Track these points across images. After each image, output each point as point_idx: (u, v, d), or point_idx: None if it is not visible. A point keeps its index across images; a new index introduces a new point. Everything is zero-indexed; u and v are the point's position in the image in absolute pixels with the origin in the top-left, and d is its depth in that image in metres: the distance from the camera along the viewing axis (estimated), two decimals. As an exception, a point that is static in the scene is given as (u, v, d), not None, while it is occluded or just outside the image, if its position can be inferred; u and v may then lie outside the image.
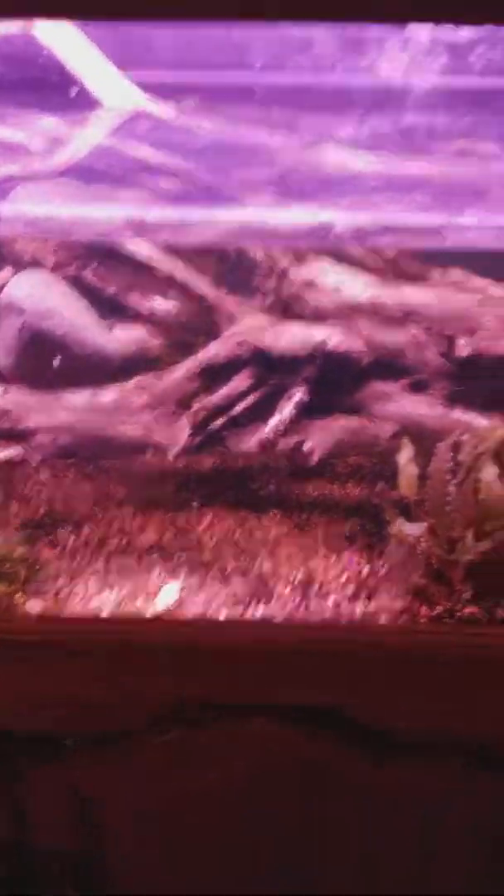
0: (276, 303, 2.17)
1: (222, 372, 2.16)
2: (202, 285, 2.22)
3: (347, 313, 2.10)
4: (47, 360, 2.20)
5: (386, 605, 1.63)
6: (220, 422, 2.12)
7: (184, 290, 2.23)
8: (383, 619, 1.61)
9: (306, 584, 1.70)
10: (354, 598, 1.66)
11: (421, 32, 1.76)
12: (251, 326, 2.16)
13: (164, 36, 1.87)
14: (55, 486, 2.03)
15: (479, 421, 1.95)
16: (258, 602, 1.64)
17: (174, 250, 2.21)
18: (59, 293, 2.24)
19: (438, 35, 1.76)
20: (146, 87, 1.93)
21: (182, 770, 1.56)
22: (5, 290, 2.23)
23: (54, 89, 1.91)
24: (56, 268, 2.24)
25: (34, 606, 1.64)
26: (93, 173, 2.01)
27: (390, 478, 1.73)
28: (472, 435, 1.67)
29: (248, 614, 1.62)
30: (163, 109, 1.95)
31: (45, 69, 1.86)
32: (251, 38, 1.83)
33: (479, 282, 2.16)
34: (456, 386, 2.06)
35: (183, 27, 1.74)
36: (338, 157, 1.96)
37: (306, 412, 2.10)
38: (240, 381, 2.14)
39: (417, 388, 2.08)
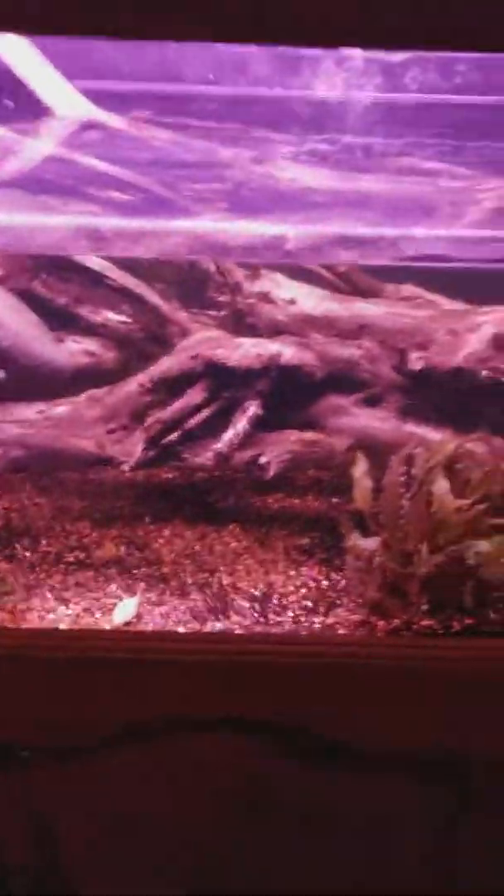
0: (230, 316, 2.25)
1: (176, 386, 2.22)
2: (155, 298, 2.29)
3: (301, 327, 2.18)
4: (-8, 373, 2.24)
5: (344, 619, 1.71)
6: (174, 436, 2.18)
7: (136, 303, 2.29)
8: (341, 632, 1.68)
9: (265, 597, 1.78)
10: (313, 611, 1.74)
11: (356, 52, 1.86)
12: (205, 340, 2.23)
13: (114, 46, 1.94)
14: (9, 499, 2.08)
15: (432, 434, 2.03)
16: (217, 616, 1.71)
17: (126, 263, 2.27)
18: (5, 305, 2.28)
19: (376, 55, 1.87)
20: (96, 97, 2.00)
21: (140, 785, 1.61)
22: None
23: (2, 98, 1.96)
24: (2, 280, 2.29)
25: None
26: (41, 184, 2.06)
27: (348, 491, 1.79)
28: (425, 448, 1.76)
29: (207, 628, 1.69)
30: (113, 120, 2.02)
31: (-7, 78, 1.91)
32: (201, 51, 1.91)
33: (431, 297, 2.28)
34: (409, 399, 2.15)
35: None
36: (289, 172, 2.05)
37: (261, 426, 2.17)
38: (194, 395, 2.20)
39: (371, 401, 2.16)
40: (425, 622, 1.68)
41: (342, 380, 2.18)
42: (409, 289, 2.29)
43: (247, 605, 1.75)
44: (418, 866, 1.66)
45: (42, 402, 2.24)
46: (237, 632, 1.68)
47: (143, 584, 1.80)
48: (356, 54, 1.87)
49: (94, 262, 2.27)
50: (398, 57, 1.86)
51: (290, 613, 1.73)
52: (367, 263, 2.19)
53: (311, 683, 1.59)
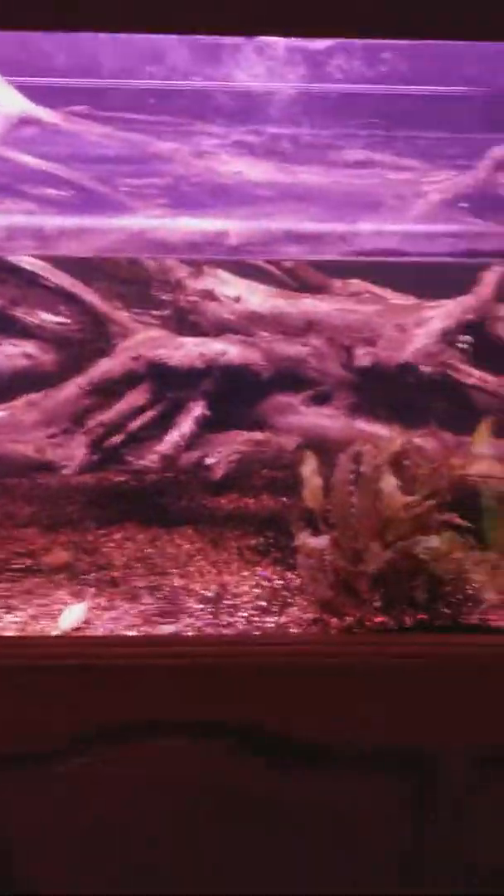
0: (172, 315, 2.30)
1: (117, 387, 2.26)
2: (93, 298, 2.32)
3: (247, 325, 2.24)
4: None
5: (297, 618, 1.78)
6: (117, 438, 2.21)
7: (74, 304, 2.33)
8: (294, 631, 1.76)
9: (218, 598, 1.85)
10: (266, 611, 1.81)
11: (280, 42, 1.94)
12: (146, 340, 2.28)
13: (49, 41, 1.99)
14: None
15: (382, 431, 2.10)
16: (169, 619, 1.77)
17: (63, 262, 2.31)
18: None
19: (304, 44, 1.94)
20: (31, 93, 2.04)
21: (93, 792, 1.66)
22: None
23: None
24: None
25: None
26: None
27: (300, 490, 1.86)
28: (373, 445, 1.83)
29: (159, 631, 1.74)
30: (49, 115, 2.06)
31: None
32: (140, 42, 1.96)
33: (379, 291, 2.35)
34: (357, 396, 2.22)
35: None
36: (231, 166, 2.12)
37: (207, 426, 2.21)
38: (136, 397, 2.24)
39: (319, 399, 2.23)
40: (378, 619, 1.76)
41: (289, 378, 2.23)
42: (357, 284, 2.36)
43: (199, 606, 1.81)
44: (386, 863, 1.75)
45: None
46: (188, 634, 1.74)
47: (92, 590, 1.85)
48: (280, 43, 1.94)
49: (29, 262, 2.30)
50: (323, 45, 1.94)
51: (243, 614, 1.80)
52: (315, 259, 2.25)
53: (264, 683, 1.66)
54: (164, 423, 2.22)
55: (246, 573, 1.95)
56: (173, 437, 2.18)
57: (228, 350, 2.21)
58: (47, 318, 2.34)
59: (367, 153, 2.11)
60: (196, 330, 2.27)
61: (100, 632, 1.75)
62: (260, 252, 2.14)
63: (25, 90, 2.04)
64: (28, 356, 2.33)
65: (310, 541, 1.78)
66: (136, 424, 2.22)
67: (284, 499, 2.19)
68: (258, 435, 2.20)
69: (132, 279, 2.32)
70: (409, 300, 2.33)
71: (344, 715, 1.66)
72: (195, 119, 2.09)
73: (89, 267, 2.32)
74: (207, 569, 1.97)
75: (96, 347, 2.32)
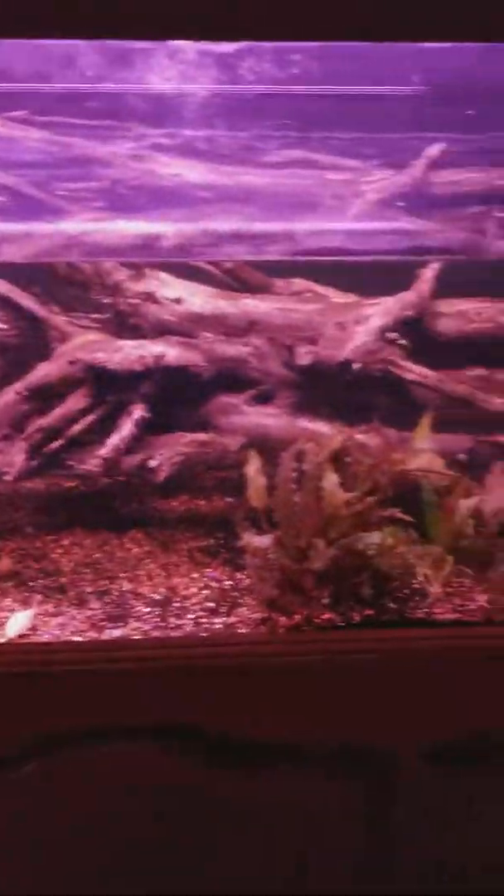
0: (112, 319, 2.34)
1: (56, 392, 2.29)
2: (31, 303, 2.36)
3: (189, 326, 2.30)
4: None
5: (246, 618, 1.85)
6: (58, 443, 2.25)
7: (10, 309, 2.36)
8: (243, 631, 1.82)
9: (166, 601, 1.91)
10: (214, 612, 1.88)
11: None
12: (84, 344, 2.31)
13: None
14: None
15: (324, 429, 2.17)
16: (117, 623, 1.83)
17: (0, 267, 2.34)
18: None
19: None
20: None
21: (45, 799, 1.71)
22: None
23: None
24: None
25: None
26: None
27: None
28: (315, 443, 1.90)
29: (106, 636, 1.80)
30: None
31: None
32: (75, 48, 2.01)
33: (321, 290, 2.43)
34: (300, 394, 2.29)
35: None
36: (169, 169, 2.18)
37: (150, 429, 2.25)
38: (76, 401, 2.28)
39: (262, 398, 2.29)
40: (326, 616, 1.83)
41: (231, 378, 2.29)
42: (299, 283, 2.43)
43: (147, 610, 1.87)
44: (342, 862, 1.82)
45: None
46: (135, 638, 1.80)
47: (39, 596, 1.90)
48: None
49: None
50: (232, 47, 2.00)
51: (191, 616, 1.86)
52: (255, 259, 2.31)
53: (212, 684, 1.72)
54: (105, 426, 2.26)
55: (195, 575, 2.02)
56: (114, 440, 2.22)
57: (168, 352, 2.26)
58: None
59: (305, 153, 2.19)
60: (137, 333, 2.32)
61: (45, 638, 1.79)
62: (201, 253, 2.20)
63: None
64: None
65: (254, 540, 1.85)
66: (76, 429, 2.26)
67: (229, 499, 2.25)
68: (201, 436, 2.25)
69: (71, 283, 2.36)
70: (351, 298, 2.41)
71: (294, 714, 1.73)
72: (128, 122, 2.14)
73: (27, 272, 2.35)
74: (157, 572, 2.03)
75: (34, 353, 2.35)
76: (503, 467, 2.01)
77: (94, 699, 1.69)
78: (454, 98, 2.11)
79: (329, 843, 1.81)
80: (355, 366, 2.23)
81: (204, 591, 1.96)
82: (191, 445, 2.23)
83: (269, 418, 2.28)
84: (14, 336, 2.37)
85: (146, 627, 1.83)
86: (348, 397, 2.26)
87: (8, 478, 2.24)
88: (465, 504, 1.92)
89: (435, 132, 2.20)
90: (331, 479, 1.83)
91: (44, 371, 2.29)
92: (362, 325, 2.28)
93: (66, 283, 2.37)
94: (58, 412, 2.27)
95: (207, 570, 2.04)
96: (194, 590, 1.96)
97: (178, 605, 1.90)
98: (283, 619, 1.82)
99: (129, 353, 2.26)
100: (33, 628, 1.81)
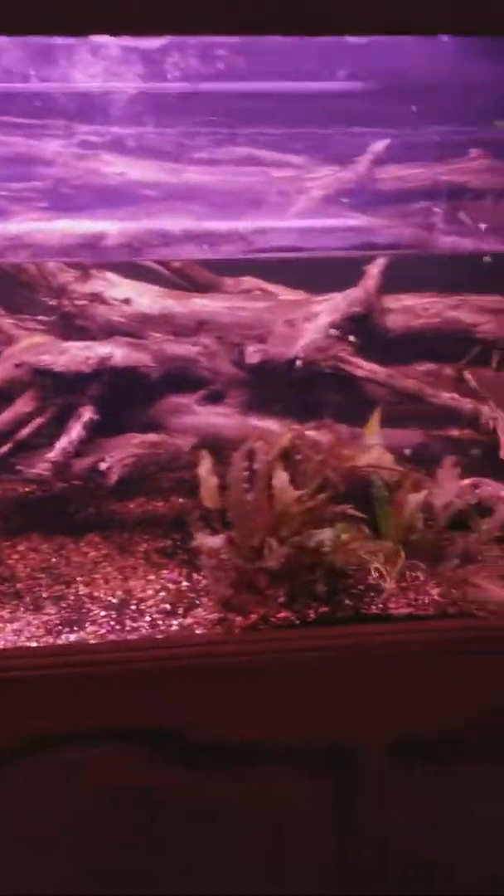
0: (59, 320, 2.37)
1: (2, 396, 2.30)
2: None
3: (138, 327, 2.33)
4: None
5: (202, 619, 1.90)
6: (5, 448, 2.26)
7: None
8: (199, 632, 1.86)
9: (123, 604, 1.96)
10: (171, 614, 1.93)
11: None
12: (29, 347, 2.33)
13: None
14: None
15: (276, 427, 2.22)
16: (72, 628, 1.88)
17: None
18: None
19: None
20: None
21: (16, 806, 1.76)
22: None
23: None
24: None
25: None
26: None
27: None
28: (265, 442, 1.95)
29: (62, 641, 1.84)
30: None
31: None
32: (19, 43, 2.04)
33: (271, 288, 2.48)
34: (251, 393, 2.33)
35: None
36: (113, 167, 2.21)
37: (100, 431, 2.28)
38: (22, 405, 2.30)
39: (213, 398, 2.34)
40: (282, 614, 1.88)
41: (181, 378, 2.33)
42: (248, 281, 2.48)
43: (103, 613, 1.92)
44: (312, 857, 1.88)
45: None
46: (91, 642, 1.84)
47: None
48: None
49: None
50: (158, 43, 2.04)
51: (148, 618, 1.91)
52: (203, 258, 2.35)
53: (169, 686, 1.77)
54: (54, 430, 2.28)
55: (152, 577, 2.07)
56: (63, 443, 2.24)
57: (116, 353, 2.29)
58: None
59: (250, 150, 2.24)
60: (85, 334, 2.35)
61: (1, 645, 1.83)
62: (148, 252, 2.24)
63: None
64: None
65: (206, 541, 1.90)
66: (24, 432, 2.28)
67: (181, 500, 2.30)
68: (153, 437, 2.28)
69: (16, 285, 2.38)
70: (300, 296, 2.46)
71: (253, 713, 1.78)
72: (58, 120, 2.17)
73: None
74: (113, 575, 2.08)
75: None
76: (453, 461, 2.07)
77: (50, 705, 1.74)
78: (396, 93, 2.17)
79: (299, 840, 1.87)
80: (298, 363, 2.28)
81: (161, 593, 2.00)
82: (142, 447, 2.26)
83: (220, 418, 2.32)
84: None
85: (102, 631, 1.87)
86: (299, 395, 2.31)
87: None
88: (414, 499, 1.98)
89: (379, 127, 2.26)
90: (281, 477, 1.88)
91: (-12, 375, 2.31)
92: (311, 322, 2.33)
93: (11, 284, 2.39)
94: (5, 416, 2.28)
95: (164, 571, 2.09)
96: (151, 592, 2.01)
97: (134, 607, 1.95)
98: (239, 619, 1.87)
99: (75, 354, 2.28)
100: (-11, 635, 1.85)
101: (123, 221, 2.18)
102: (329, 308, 2.34)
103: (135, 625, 1.89)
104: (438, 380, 2.37)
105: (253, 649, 1.82)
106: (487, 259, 2.29)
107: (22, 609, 1.94)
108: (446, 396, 2.32)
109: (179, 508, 2.33)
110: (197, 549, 1.92)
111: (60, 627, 1.88)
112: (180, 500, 2.35)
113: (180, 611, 1.93)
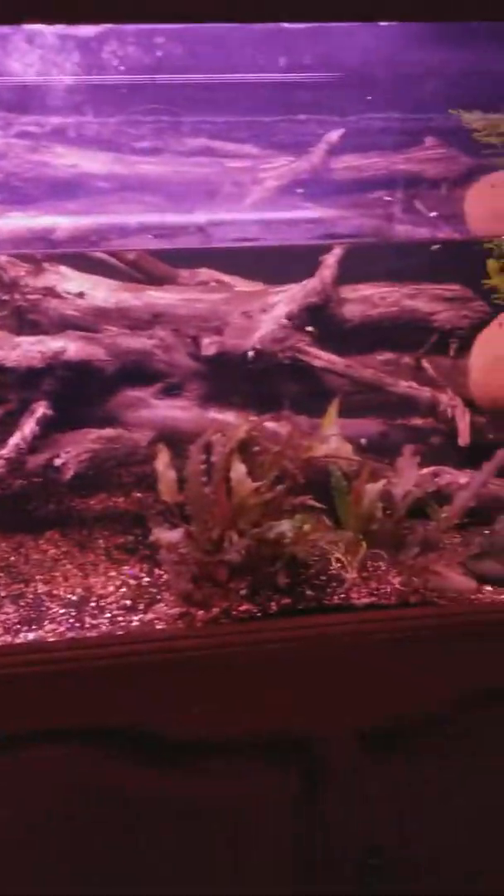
0: (10, 315, 2.37)
1: None
2: None
3: (92, 321, 2.35)
4: None
5: (163, 613, 1.93)
6: None
7: None
8: (160, 627, 1.89)
9: (82, 601, 1.99)
10: (132, 609, 1.96)
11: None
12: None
13: None
14: None
15: (234, 419, 2.25)
16: (31, 627, 1.90)
17: None
18: None
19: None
20: None
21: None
22: None
23: None
24: None
25: None
26: None
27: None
28: (222, 434, 1.98)
29: (21, 640, 1.86)
30: None
31: None
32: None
33: (227, 279, 2.51)
34: (208, 386, 2.36)
35: None
36: (65, 159, 2.23)
37: (54, 426, 2.29)
38: None
39: (170, 391, 2.36)
40: (244, 607, 1.92)
41: (137, 372, 2.35)
42: (204, 273, 2.50)
43: (62, 611, 1.94)
44: (279, 848, 1.91)
45: None
46: (50, 640, 1.86)
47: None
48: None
49: None
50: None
51: (108, 615, 1.93)
52: (160, 248, 2.37)
53: (130, 682, 1.80)
54: (6, 426, 2.30)
55: (113, 573, 2.10)
56: (16, 439, 2.26)
57: (69, 347, 2.31)
58: None
59: (205, 141, 2.27)
60: (38, 329, 2.36)
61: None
62: (103, 244, 2.26)
63: None
64: None
65: (163, 535, 1.93)
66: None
67: (146, 495, 2.32)
68: (109, 432, 2.30)
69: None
70: (257, 286, 2.49)
71: (217, 707, 1.81)
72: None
73: None
74: (73, 572, 2.11)
75: None
76: (412, 450, 2.10)
77: (8, 705, 1.75)
78: (352, 82, 2.21)
79: (265, 833, 1.90)
80: (250, 354, 2.31)
81: (122, 589, 2.03)
82: (98, 442, 2.27)
83: (178, 411, 2.34)
84: None
85: (61, 629, 1.90)
86: (257, 386, 2.34)
87: None
88: (373, 488, 2.01)
89: (334, 116, 2.30)
90: (238, 470, 1.91)
91: None
92: (268, 313, 2.35)
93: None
94: (-45, 414, 2.29)
95: (125, 567, 2.12)
96: (111, 588, 2.04)
97: (94, 604, 1.98)
98: (200, 613, 1.90)
99: (27, 349, 2.29)
100: None
101: (76, 213, 2.20)
102: (286, 299, 2.37)
103: (95, 622, 1.92)
104: (397, 369, 2.41)
105: (214, 643, 1.85)
106: (436, 247, 2.33)
107: (-20, 608, 1.97)
108: (405, 385, 2.36)
109: (138, 503, 2.35)
110: (156, 543, 1.95)
111: (19, 626, 1.90)
112: (144, 495, 2.37)
113: (141, 606, 1.96)
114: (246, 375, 2.34)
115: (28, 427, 2.27)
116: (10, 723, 1.76)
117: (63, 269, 2.38)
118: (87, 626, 1.91)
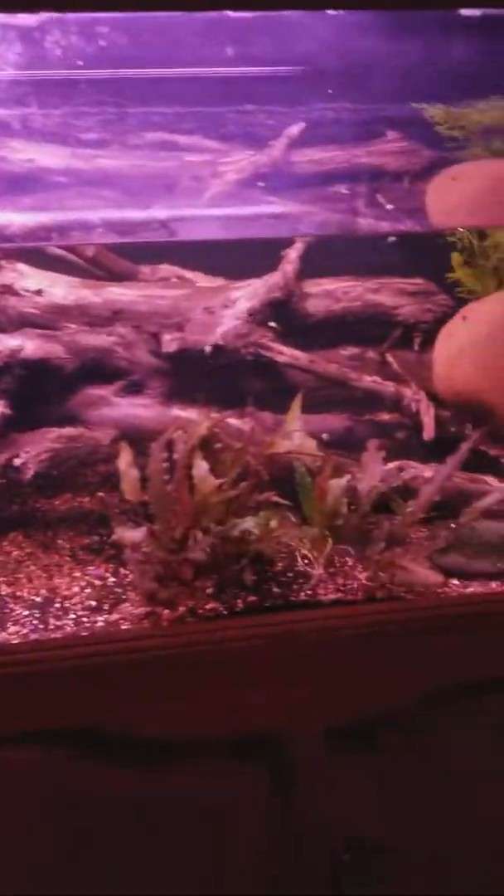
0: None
1: None
2: None
3: (51, 318, 2.35)
4: None
5: (129, 613, 1.94)
6: None
7: None
8: (125, 627, 1.90)
9: (47, 603, 1.99)
10: (97, 610, 1.97)
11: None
12: None
13: None
14: None
15: (196, 416, 2.24)
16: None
17: None
18: None
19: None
20: None
21: None
22: None
23: None
24: None
25: None
26: None
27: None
28: (184, 431, 1.99)
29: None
30: None
31: None
32: None
33: (189, 275, 2.52)
34: (170, 383, 2.37)
35: None
36: (23, 154, 2.23)
37: (13, 426, 2.29)
38: None
39: (131, 388, 2.37)
40: (210, 605, 1.94)
41: (98, 369, 2.35)
42: (165, 269, 2.52)
43: (26, 613, 1.94)
44: (252, 848, 1.93)
45: None
46: (14, 642, 1.86)
47: None
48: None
49: None
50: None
51: (73, 616, 1.94)
52: (116, 243, 2.39)
53: (95, 683, 1.81)
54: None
55: (77, 574, 2.11)
56: (-28, 440, 2.25)
57: (27, 345, 2.31)
58: None
59: (161, 135, 2.28)
60: (-5, 326, 2.37)
61: None
62: (61, 240, 2.26)
63: None
64: None
65: (126, 535, 1.94)
66: None
67: (110, 494, 2.32)
68: (70, 430, 2.30)
69: None
70: (218, 282, 2.51)
71: (184, 707, 1.83)
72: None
73: None
74: (37, 573, 2.11)
75: None
76: (377, 445, 2.13)
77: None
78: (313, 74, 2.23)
79: (237, 832, 1.91)
80: (207, 350, 2.32)
81: (86, 590, 2.04)
82: (59, 441, 2.27)
83: (140, 409, 2.35)
84: None
85: (25, 631, 1.90)
86: (220, 383, 2.36)
87: None
88: (337, 484, 2.03)
89: (295, 108, 2.32)
90: (200, 467, 1.93)
91: None
92: (230, 308, 2.37)
93: None
94: None
95: (90, 567, 2.12)
96: (76, 589, 2.05)
97: (58, 605, 1.99)
98: (166, 612, 1.92)
99: (-19, 347, 2.29)
100: None
101: (33, 209, 2.20)
102: (248, 294, 2.39)
103: (59, 623, 1.93)
104: (362, 363, 2.44)
105: (181, 642, 1.86)
106: (392, 239, 2.36)
107: None
108: (369, 380, 2.39)
109: (103, 503, 2.35)
110: (119, 543, 1.96)
111: (-18, 629, 1.91)
112: (109, 494, 2.37)
113: (106, 607, 1.98)
114: (208, 372, 2.36)
115: (-15, 427, 2.26)
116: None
117: (21, 266, 2.38)
118: (52, 627, 1.91)
